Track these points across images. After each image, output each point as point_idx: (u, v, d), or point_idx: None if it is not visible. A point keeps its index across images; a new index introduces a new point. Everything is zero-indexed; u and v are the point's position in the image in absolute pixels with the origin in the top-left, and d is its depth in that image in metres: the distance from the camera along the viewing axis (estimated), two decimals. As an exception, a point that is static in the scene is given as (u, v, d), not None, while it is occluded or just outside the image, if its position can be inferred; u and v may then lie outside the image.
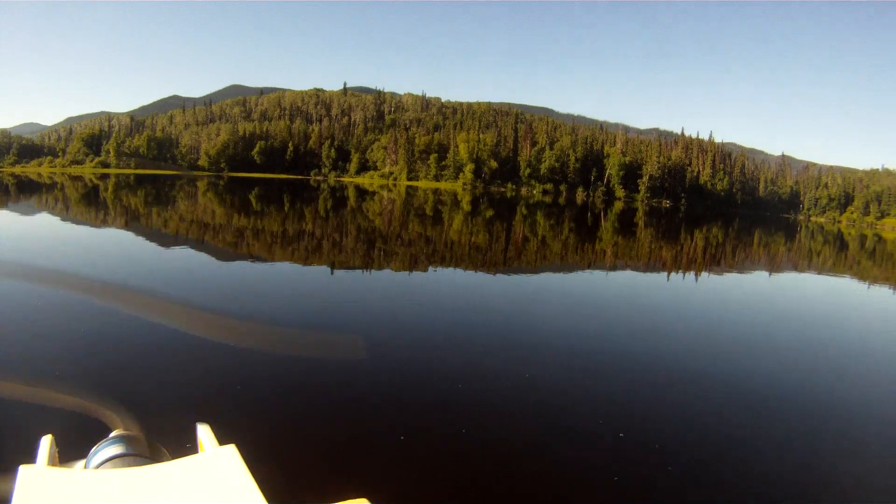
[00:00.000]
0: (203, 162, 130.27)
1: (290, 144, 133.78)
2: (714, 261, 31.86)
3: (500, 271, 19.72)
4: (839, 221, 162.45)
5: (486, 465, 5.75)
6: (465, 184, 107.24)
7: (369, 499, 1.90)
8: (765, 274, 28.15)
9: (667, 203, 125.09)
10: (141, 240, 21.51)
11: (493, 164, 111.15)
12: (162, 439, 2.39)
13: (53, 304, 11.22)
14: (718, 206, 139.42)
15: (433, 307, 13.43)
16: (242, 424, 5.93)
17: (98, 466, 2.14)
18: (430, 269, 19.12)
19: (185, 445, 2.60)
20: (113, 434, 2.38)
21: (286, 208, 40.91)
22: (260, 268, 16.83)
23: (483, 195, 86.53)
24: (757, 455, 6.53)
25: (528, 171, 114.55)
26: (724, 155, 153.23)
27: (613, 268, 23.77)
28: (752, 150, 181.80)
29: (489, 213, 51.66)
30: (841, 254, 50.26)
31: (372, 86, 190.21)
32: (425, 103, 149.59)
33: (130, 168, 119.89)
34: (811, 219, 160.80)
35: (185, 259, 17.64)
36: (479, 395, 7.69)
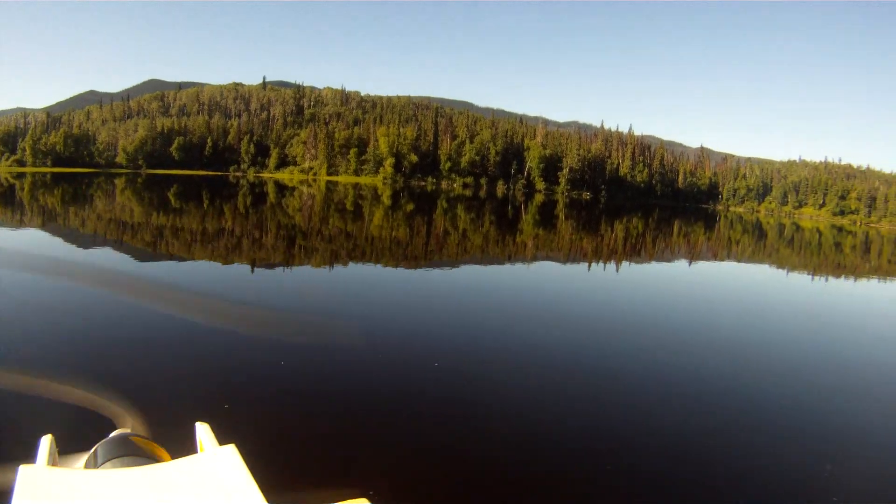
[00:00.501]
0: (121, 159, 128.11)
1: (208, 140, 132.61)
2: (635, 251, 32.78)
3: (452, 264, 20.97)
4: (758, 211, 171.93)
5: (486, 464, 5.97)
6: (385, 178, 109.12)
7: (369, 499, 2.01)
8: (685, 263, 29.28)
9: (587, 195, 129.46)
10: (58, 241, 21.29)
11: (414, 157, 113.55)
12: (162, 439, 2.50)
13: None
14: (638, 197, 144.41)
15: (423, 306, 14.03)
16: (242, 424, 6.09)
17: (98, 466, 2.20)
18: (371, 264, 19.71)
19: (184, 445, 2.63)
20: (113, 434, 2.50)
21: (205, 206, 41.19)
22: (184, 266, 17.00)
23: (403, 189, 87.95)
24: (685, 442, 7.10)
25: (448, 164, 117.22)
26: (643, 147, 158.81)
27: (534, 259, 24.44)
28: (671, 143, 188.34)
29: (409, 207, 52.87)
30: (760, 242, 53.27)
31: (292, 80, 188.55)
32: (345, 97, 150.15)
33: (47, 166, 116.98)
34: (730, 209, 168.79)
35: (104, 258, 17.51)
36: (479, 394, 8.03)
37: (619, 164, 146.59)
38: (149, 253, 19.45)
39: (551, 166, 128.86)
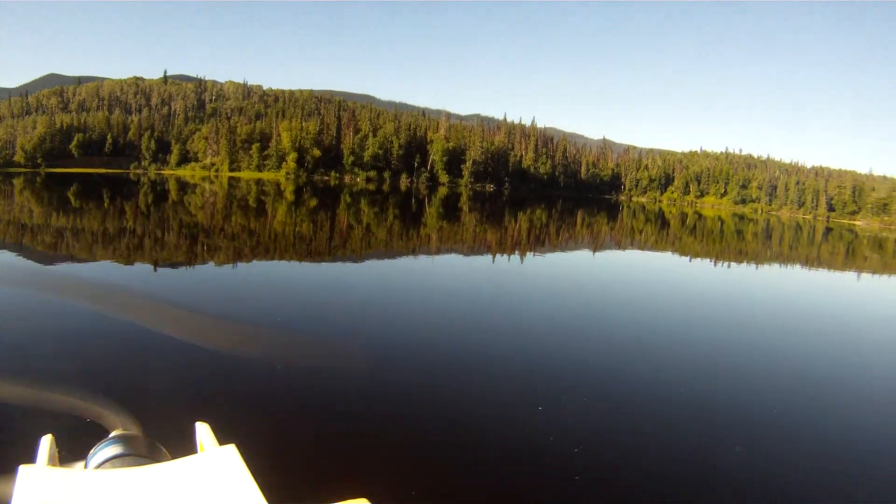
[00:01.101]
0: (20, 157, 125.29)
1: (108, 137, 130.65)
2: (539, 242, 33.72)
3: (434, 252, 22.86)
4: (660, 201, 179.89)
5: (487, 464, 6.15)
6: (288, 173, 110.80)
7: (369, 499, 2.02)
8: (589, 253, 30.64)
9: (491, 187, 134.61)
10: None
11: (317, 152, 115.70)
12: (162, 439, 2.52)
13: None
14: (542, 189, 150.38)
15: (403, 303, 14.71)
16: (243, 424, 6.23)
17: (98, 466, 2.23)
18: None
19: (184, 445, 2.59)
20: (113, 434, 2.52)
21: (105, 205, 40.68)
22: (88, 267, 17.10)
23: (307, 184, 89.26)
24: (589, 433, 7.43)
25: (351, 158, 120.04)
26: (546, 139, 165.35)
27: (438, 252, 25.17)
28: (574, 135, 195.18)
29: (313, 202, 53.61)
30: (663, 231, 55.85)
31: (193, 73, 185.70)
32: (247, 91, 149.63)
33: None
34: (633, 199, 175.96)
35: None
36: (479, 394, 8.28)
37: (522, 157, 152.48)
38: (50, 255, 19.01)
39: (455, 159, 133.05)
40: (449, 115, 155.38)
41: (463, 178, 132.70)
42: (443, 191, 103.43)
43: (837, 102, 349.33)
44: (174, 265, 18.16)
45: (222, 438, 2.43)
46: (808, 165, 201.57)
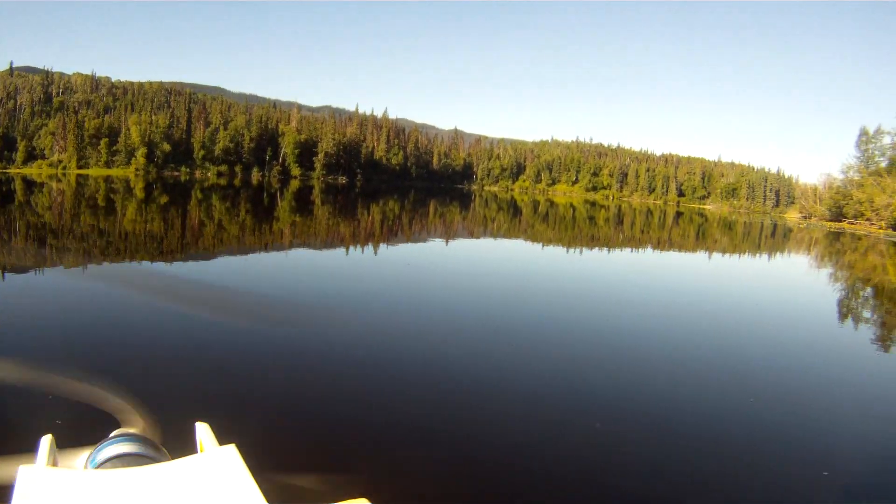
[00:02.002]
0: None
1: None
2: (392, 233, 34.25)
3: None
4: (512, 189, 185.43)
5: (487, 464, 6.17)
6: (137, 169, 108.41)
7: (369, 499, 2.05)
8: (442, 242, 31.06)
9: (343, 179, 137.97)
10: None
11: (167, 147, 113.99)
12: (162, 439, 2.62)
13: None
14: (394, 179, 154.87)
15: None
16: (242, 424, 6.19)
17: (98, 466, 2.26)
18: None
19: (184, 445, 2.61)
20: (113, 434, 2.56)
21: None
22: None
23: (157, 181, 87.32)
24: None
25: (202, 152, 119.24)
26: (398, 130, 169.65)
27: (292, 246, 25.28)
28: (425, 126, 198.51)
29: (164, 199, 53.05)
30: (515, 219, 58.15)
31: (41, 65, 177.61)
32: (95, 84, 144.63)
33: None
34: (485, 188, 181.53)
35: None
36: (480, 394, 8.33)
37: (374, 148, 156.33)
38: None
39: (307, 151, 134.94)
40: (300, 107, 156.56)
41: (315, 170, 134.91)
42: (295, 184, 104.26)
43: (687, 94, 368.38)
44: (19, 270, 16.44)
45: (222, 438, 2.52)
46: (658, 153, 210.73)
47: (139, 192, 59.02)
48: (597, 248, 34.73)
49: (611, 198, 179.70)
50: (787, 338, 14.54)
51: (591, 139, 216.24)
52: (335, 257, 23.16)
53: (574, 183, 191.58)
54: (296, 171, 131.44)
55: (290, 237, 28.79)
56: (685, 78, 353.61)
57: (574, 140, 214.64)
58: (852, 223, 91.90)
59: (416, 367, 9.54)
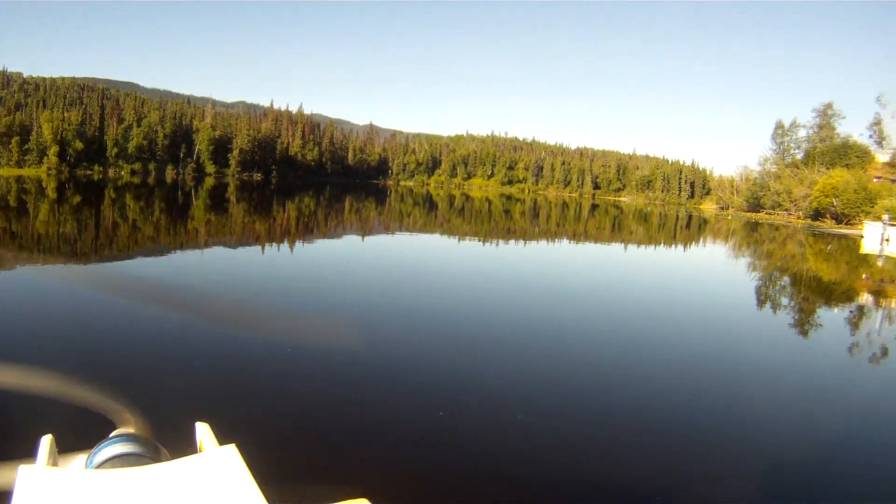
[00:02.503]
0: None
1: None
2: (308, 230, 34.18)
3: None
4: (428, 184, 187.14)
5: (488, 464, 6.28)
6: (49, 168, 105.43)
7: (369, 499, 2.05)
8: (358, 238, 31.31)
9: (258, 176, 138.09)
10: None
11: (79, 144, 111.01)
12: (162, 439, 2.55)
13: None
14: (310, 175, 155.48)
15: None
16: (242, 424, 6.31)
17: (98, 466, 2.25)
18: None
19: (184, 445, 2.59)
20: (113, 434, 2.57)
21: None
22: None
23: (69, 180, 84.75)
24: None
25: (115, 150, 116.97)
26: (313, 126, 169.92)
27: (207, 245, 24.97)
28: (340, 121, 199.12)
29: (77, 199, 51.88)
30: (431, 214, 59.11)
31: None
32: (6, 79, 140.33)
33: None
34: (401, 183, 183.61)
35: None
36: (481, 394, 8.36)
37: (289, 144, 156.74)
38: None
39: (221, 148, 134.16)
40: (214, 103, 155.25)
41: (230, 167, 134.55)
42: (210, 181, 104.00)
43: (601, 88, 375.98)
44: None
45: (222, 438, 2.49)
46: (573, 147, 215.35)
47: (51, 193, 57.89)
48: (513, 242, 35.24)
49: (526, 191, 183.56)
50: (713, 325, 15.30)
51: (507, 133, 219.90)
52: (251, 255, 22.95)
53: (490, 177, 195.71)
54: (210, 168, 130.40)
55: (206, 236, 28.34)
56: (598, 73, 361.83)
57: (489, 134, 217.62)
58: (770, 213, 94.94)
59: (416, 366, 9.70)
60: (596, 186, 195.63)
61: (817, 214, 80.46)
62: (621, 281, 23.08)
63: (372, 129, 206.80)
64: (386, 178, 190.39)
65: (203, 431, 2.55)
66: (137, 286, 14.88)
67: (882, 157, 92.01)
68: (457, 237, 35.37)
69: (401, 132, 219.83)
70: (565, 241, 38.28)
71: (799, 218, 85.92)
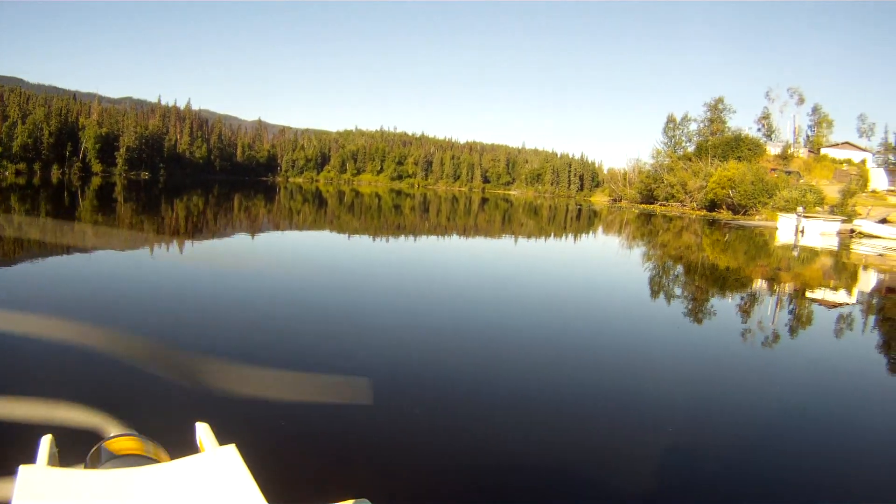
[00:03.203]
0: None
1: None
2: (197, 229, 33.68)
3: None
4: (317, 180, 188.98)
5: (489, 464, 6.18)
6: None
7: (369, 499, 2.07)
8: (248, 237, 31.07)
9: (146, 175, 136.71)
10: None
11: None
12: (162, 439, 2.56)
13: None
14: (198, 173, 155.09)
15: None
16: (243, 424, 6.27)
17: (98, 466, 2.26)
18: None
19: (184, 445, 2.59)
20: (113, 434, 2.56)
21: None
22: None
23: None
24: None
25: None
26: (201, 122, 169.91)
27: (94, 249, 23.63)
28: (228, 117, 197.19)
29: None
30: (321, 210, 58.78)
31: None
32: None
33: None
34: (290, 180, 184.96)
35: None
36: (482, 394, 8.36)
37: (177, 141, 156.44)
38: None
39: (108, 146, 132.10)
40: (101, 99, 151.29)
41: (117, 166, 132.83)
42: (97, 181, 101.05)
43: (488, 84, 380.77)
44: None
45: (222, 438, 2.49)
46: (462, 141, 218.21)
47: (-71, 197, 54.41)
48: (403, 237, 35.13)
49: (416, 186, 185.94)
50: (610, 315, 15.23)
51: (396, 128, 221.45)
52: (138, 259, 21.53)
53: (379, 172, 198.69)
54: (97, 167, 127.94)
55: (94, 239, 26.61)
56: (487, 67, 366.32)
57: (379, 129, 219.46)
58: (664, 205, 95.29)
59: (416, 365, 9.60)
60: (486, 180, 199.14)
61: (713, 205, 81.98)
62: (514, 275, 22.66)
63: (261, 125, 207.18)
64: (275, 174, 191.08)
65: (203, 431, 2.60)
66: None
67: (773, 149, 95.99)
68: (346, 234, 35.08)
69: (290, 128, 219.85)
70: (455, 236, 38.30)
71: (693, 209, 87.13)
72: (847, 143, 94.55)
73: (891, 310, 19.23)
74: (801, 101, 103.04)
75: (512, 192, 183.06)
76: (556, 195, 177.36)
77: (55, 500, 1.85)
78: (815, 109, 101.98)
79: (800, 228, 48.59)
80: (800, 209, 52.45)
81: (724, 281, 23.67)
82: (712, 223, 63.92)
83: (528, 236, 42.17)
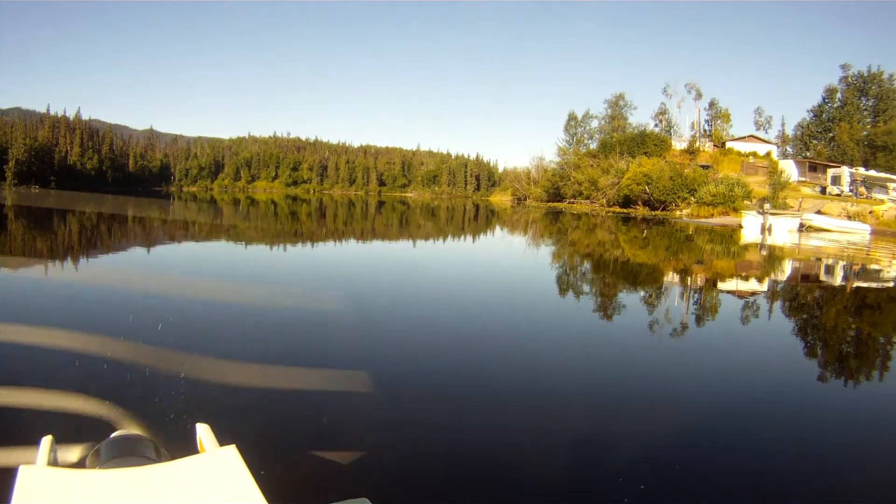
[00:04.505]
0: None
1: None
2: (92, 245, 31.77)
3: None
4: (212, 189, 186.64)
5: (489, 464, 6.02)
6: None
7: (370, 499, 2.04)
8: (143, 250, 29.15)
9: (36, 188, 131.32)
10: None
11: None
12: (162, 439, 2.55)
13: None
14: (90, 185, 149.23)
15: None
16: (243, 425, 6.22)
17: (98, 467, 2.24)
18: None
19: (184, 445, 2.55)
20: (113, 434, 2.55)
21: None
22: None
23: None
24: None
25: None
26: (91, 132, 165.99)
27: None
28: (119, 126, 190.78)
29: None
30: (217, 219, 56.38)
31: None
32: None
33: None
34: (184, 189, 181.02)
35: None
36: (482, 394, 8.19)
37: (68, 152, 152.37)
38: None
39: None
40: None
41: (7, 179, 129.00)
42: None
43: (379, 87, 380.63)
44: None
45: (222, 439, 2.46)
46: (356, 145, 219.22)
47: None
48: (301, 244, 34.44)
49: (312, 191, 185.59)
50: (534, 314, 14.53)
51: (290, 134, 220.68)
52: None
53: (274, 179, 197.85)
54: None
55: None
56: (378, 70, 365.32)
57: (272, 135, 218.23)
58: (573, 202, 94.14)
59: (416, 365, 9.53)
60: (382, 183, 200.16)
61: (627, 201, 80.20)
62: (423, 276, 21.88)
63: (152, 134, 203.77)
64: (169, 184, 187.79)
65: (203, 432, 2.57)
66: None
67: (678, 144, 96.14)
68: (243, 242, 33.94)
69: (182, 136, 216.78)
70: (352, 240, 37.42)
71: (602, 205, 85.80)
72: (752, 136, 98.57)
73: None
74: (699, 95, 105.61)
75: (409, 195, 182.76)
76: (453, 196, 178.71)
77: (55, 500, 1.88)
78: (712, 104, 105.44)
79: (767, 226, 47.01)
80: (767, 206, 50.63)
81: (720, 284, 21.61)
82: (627, 220, 63.73)
83: (428, 237, 41.62)
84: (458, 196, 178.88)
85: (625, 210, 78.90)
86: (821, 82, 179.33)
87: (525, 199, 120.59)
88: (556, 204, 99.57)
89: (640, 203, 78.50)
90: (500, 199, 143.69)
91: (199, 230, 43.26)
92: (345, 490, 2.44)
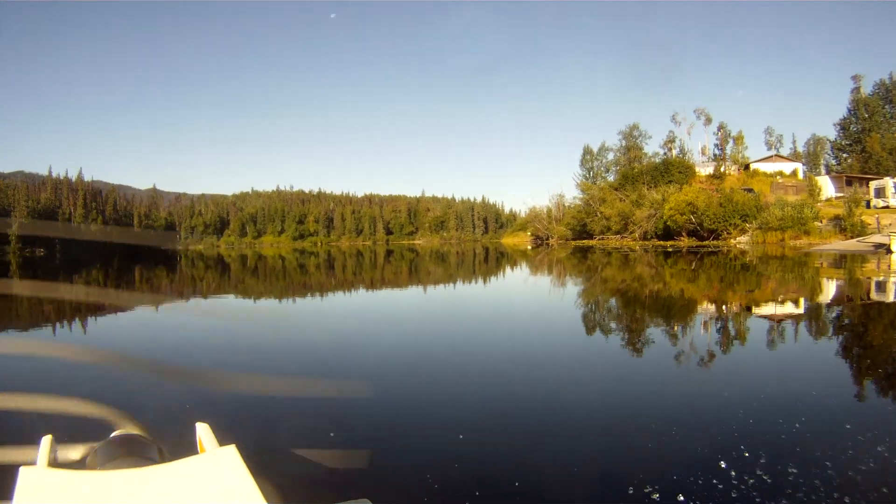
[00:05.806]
0: None
1: None
2: (98, 307, 31.17)
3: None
4: (218, 246, 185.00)
5: (489, 464, 6.12)
6: None
7: (370, 499, 1.96)
8: (153, 309, 30.43)
9: (41, 251, 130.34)
10: None
11: None
12: (161, 439, 2.45)
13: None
14: (95, 246, 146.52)
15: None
16: (243, 424, 6.41)
17: (98, 467, 2.15)
18: None
19: (184, 445, 2.42)
20: (113, 434, 2.44)
21: None
22: None
23: None
24: None
25: None
26: (95, 193, 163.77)
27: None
28: (122, 186, 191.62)
29: None
30: (224, 276, 56.65)
31: None
32: None
33: None
34: (190, 247, 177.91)
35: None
36: (482, 394, 8.34)
37: (71, 214, 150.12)
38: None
39: None
40: None
41: (10, 243, 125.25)
42: None
43: (380, 137, 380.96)
44: None
45: (223, 439, 2.31)
46: (360, 195, 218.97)
47: None
48: (310, 296, 34.08)
49: (319, 244, 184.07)
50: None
51: (293, 186, 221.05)
52: None
53: (281, 233, 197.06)
54: None
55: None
56: (377, 119, 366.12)
57: (275, 189, 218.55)
58: (602, 238, 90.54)
59: (417, 365, 9.70)
60: (389, 232, 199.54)
61: (668, 233, 76.50)
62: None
63: (156, 193, 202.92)
64: (175, 242, 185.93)
65: (203, 432, 2.49)
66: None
67: (703, 170, 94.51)
68: (252, 297, 34.09)
69: (186, 194, 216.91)
70: (362, 290, 36.87)
71: (634, 240, 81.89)
72: (777, 155, 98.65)
73: None
74: (709, 121, 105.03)
75: (417, 242, 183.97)
76: (462, 240, 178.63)
77: (55, 501, 1.78)
78: (721, 127, 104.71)
79: None
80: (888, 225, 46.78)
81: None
82: (700, 256, 52.91)
83: (437, 283, 39.31)
84: (466, 240, 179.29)
85: (666, 242, 74.10)
86: (825, 97, 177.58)
87: (547, 239, 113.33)
88: (584, 242, 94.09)
89: (684, 234, 74.70)
90: (514, 240, 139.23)
91: (207, 287, 42.69)
92: (345, 490, 2.46)
